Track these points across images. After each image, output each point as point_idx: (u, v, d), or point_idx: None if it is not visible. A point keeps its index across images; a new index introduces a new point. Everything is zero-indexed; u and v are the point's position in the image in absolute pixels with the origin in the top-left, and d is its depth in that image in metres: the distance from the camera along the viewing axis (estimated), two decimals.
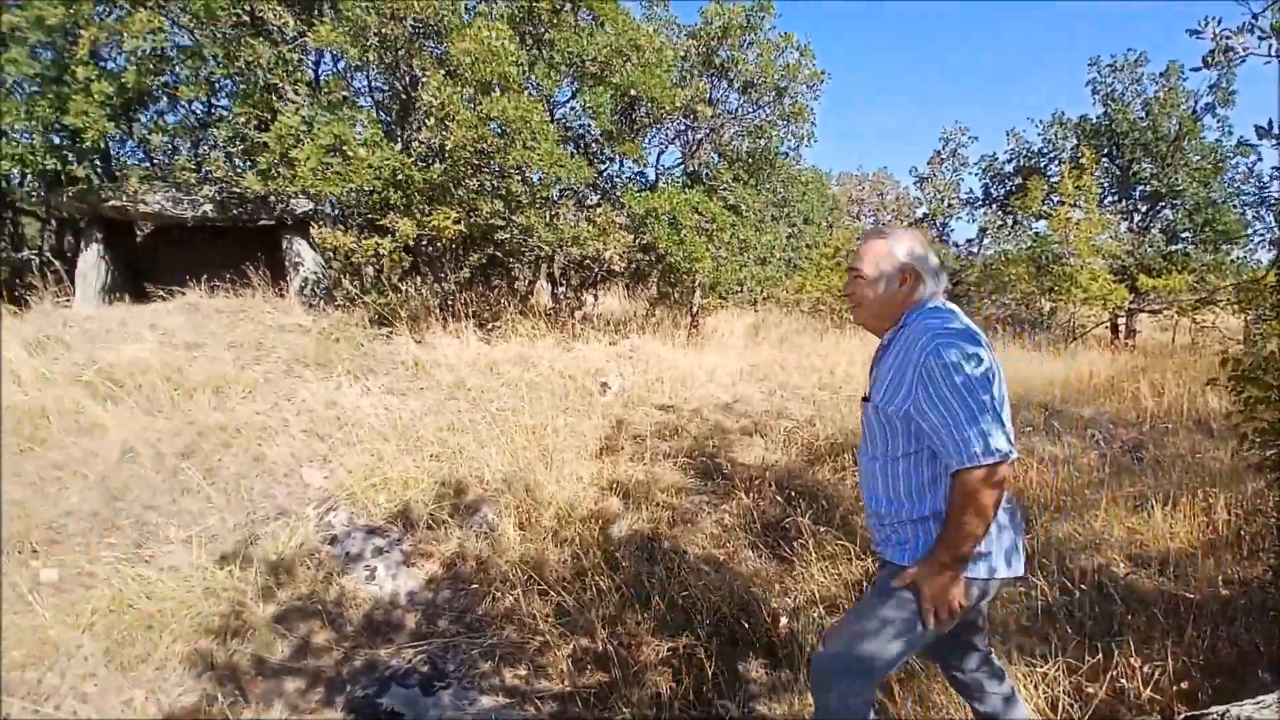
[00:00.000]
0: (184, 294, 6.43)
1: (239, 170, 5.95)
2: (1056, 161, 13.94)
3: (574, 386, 6.41)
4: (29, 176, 6.80)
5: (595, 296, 10.99)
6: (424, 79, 5.66)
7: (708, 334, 10.91)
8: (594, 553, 3.42)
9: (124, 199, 6.80)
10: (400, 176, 5.46)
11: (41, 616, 2.73)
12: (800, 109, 9.32)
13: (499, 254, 8.60)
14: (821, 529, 3.56)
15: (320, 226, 6.49)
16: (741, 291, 11.54)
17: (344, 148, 5.31)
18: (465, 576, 3.33)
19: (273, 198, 7.17)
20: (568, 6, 7.39)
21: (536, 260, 8.88)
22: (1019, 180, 14.33)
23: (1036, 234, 12.57)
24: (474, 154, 5.49)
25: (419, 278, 8.75)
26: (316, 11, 5.97)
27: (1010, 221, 14.36)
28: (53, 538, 3.22)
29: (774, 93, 9.15)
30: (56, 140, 6.42)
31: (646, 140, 8.76)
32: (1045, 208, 12.59)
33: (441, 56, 6.32)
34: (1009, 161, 14.97)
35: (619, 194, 7.48)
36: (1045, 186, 12.51)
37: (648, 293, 11.31)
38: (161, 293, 6.49)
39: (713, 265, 8.29)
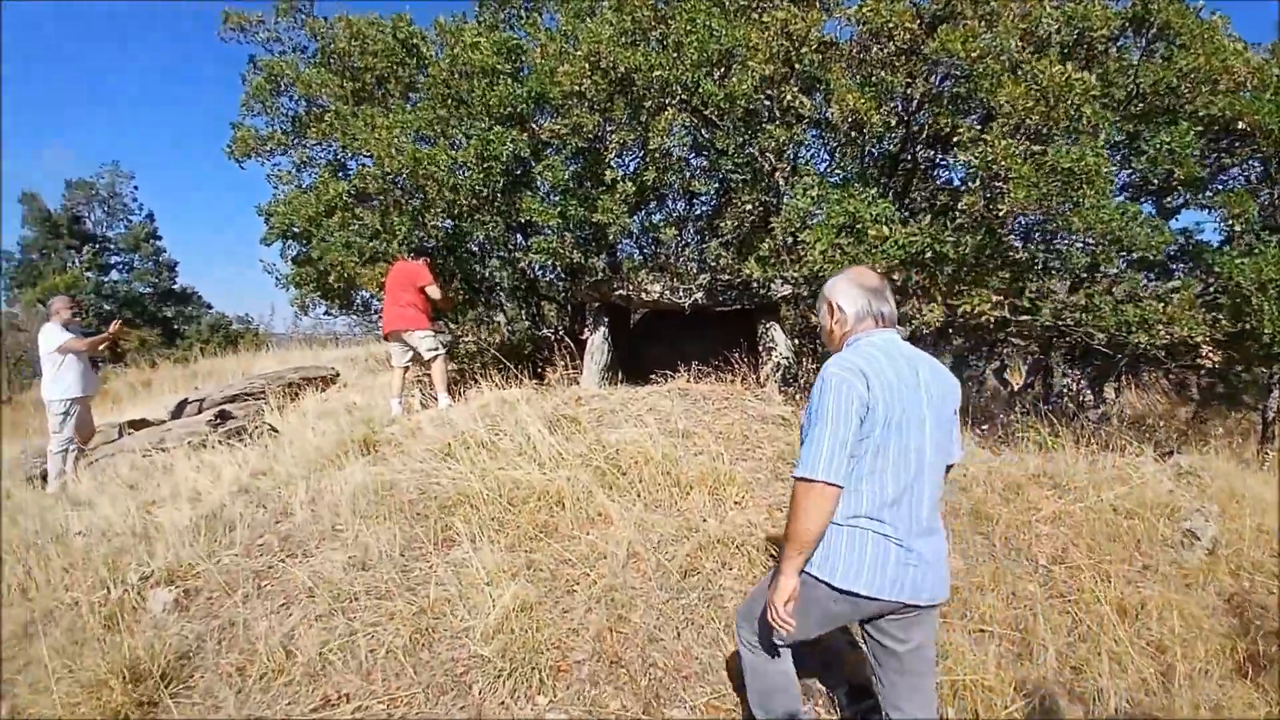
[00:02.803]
0: (673, 378, 6.45)
1: (738, 258, 5.76)
2: None
3: (1141, 531, 4.51)
4: (556, 267, 7.67)
5: (1116, 391, 8.54)
6: (957, 136, 4.68)
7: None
8: None
9: (629, 288, 7.27)
10: (929, 254, 4.51)
11: None
12: None
13: (992, 336, 7.09)
14: None
15: (805, 311, 6.02)
16: None
17: (857, 226, 4.59)
18: None
19: (754, 283, 6.95)
20: (1128, 30, 5.76)
21: (1046, 343, 7.07)
22: None
23: None
24: (1029, 219, 4.30)
25: None
26: (825, 86, 5.54)
27: None
28: (558, 662, 2.86)
29: None
30: (578, 236, 7.14)
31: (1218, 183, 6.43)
32: None
33: (962, 107, 5.31)
34: None
35: (1206, 258, 5.41)
36: None
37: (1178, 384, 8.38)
38: (655, 376, 6.62)
39: None
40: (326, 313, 10.54)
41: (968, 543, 4.04)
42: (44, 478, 5.84)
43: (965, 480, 4.95)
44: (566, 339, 9.36)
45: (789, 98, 5.21)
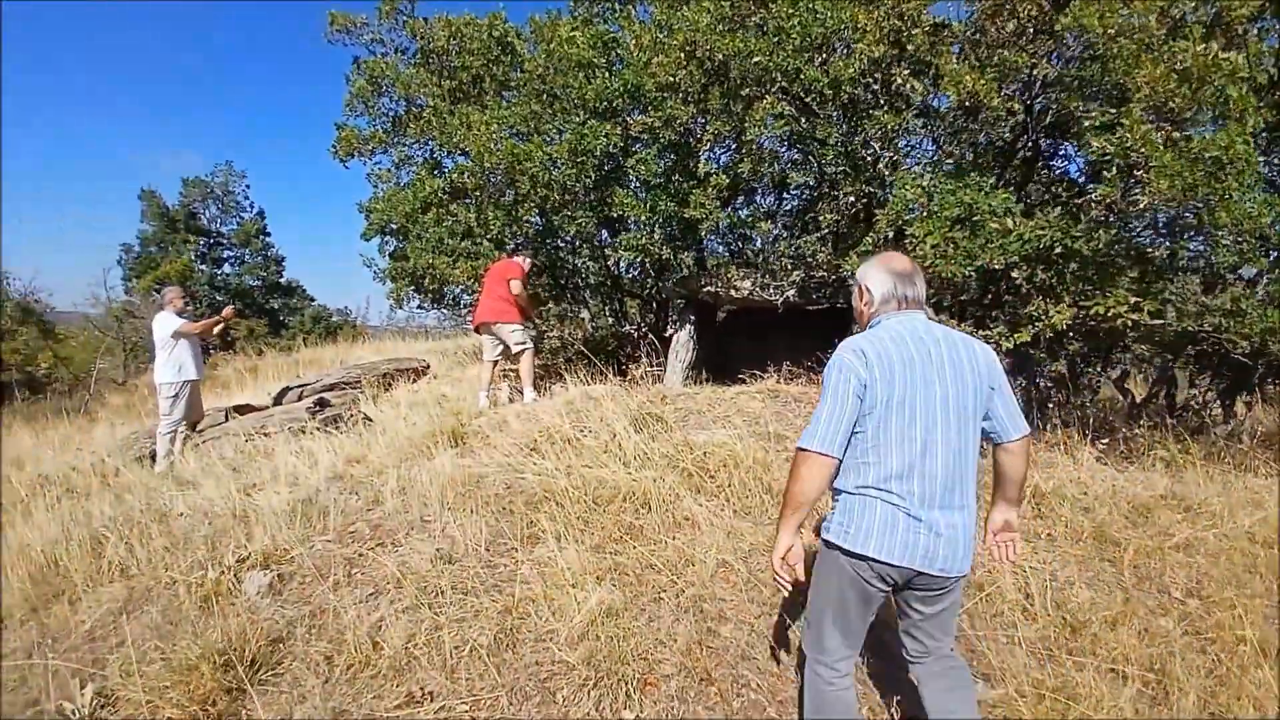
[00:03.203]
0: (763, 378, 6.23)
1: (836, 253, 5.47)
2: None
3: None
4: (645, 263, 7.52)
5: (1248, 405, 7.71)
6: (1088, 119, 4.27)
7: None
8: None
9: (718, 284, 7.08)
10: (1058, 249, 4.12)
11: None
12: None
13: (1109, 341, 6.49)
14: None
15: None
16: None
17: (974, 218, 4.26)
18: None
19: (851, 280, 6.62)
20: (1267, 11, 5.16)
21: (1174, 350, 6.42)
22: None
23: None
24: (1165, 213, 3.85)
25: None
26: (934, 70, 5.18)
27: None
28: (645, 674, 2.72)
29: None
30: (667, 231, 6.96)
31: None
32: None
33: (1088, 91, 4.85)
34: None
35: None
36: None
37: None
38: (743, 375, 6.41)
39: None
40: (420, 307, 10.85)
41: (1094, 570, 3.67)
42: (153, 458, 6.18)
43: (1087, 499, 4.53)
44: (650, 335, 9.28)
45: (898, 81, 4.90)
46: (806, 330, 7.77)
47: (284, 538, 3.75)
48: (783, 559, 2.10)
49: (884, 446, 2.00)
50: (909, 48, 4.84)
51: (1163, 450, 5.38)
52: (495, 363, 6.63)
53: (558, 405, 5.78)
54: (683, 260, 6.95)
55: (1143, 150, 3.75)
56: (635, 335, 9.82)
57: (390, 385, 8.13)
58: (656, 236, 6.59)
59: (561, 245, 8.54)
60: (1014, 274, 4.67)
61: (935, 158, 5.10)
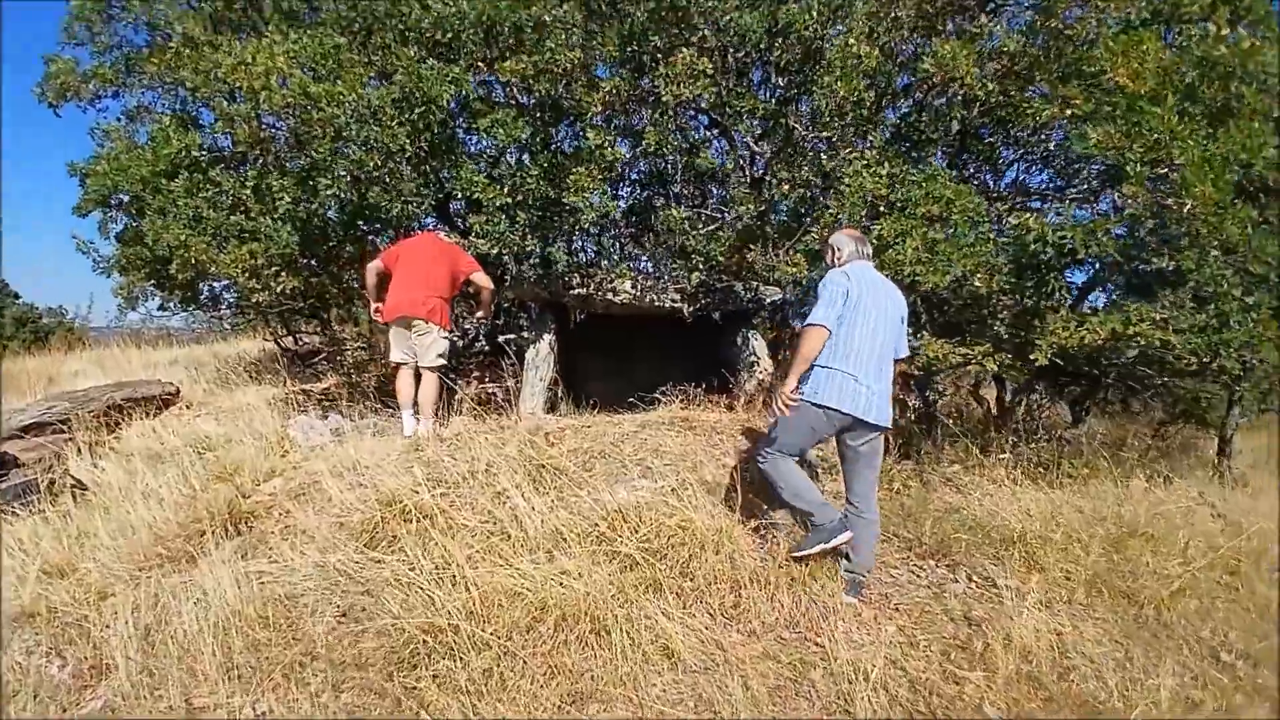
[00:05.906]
0: (659, 402, 4.98)
1: (768, 251, 4.35)
2: None
3: None
4: (503, 256, 5.76)
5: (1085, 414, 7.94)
6: (1072, 106, 3.53)
7: None
8: None
9: (591, 286, 5.70)
10: (1081, 254, 3.31)
11: None
12: None
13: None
14: None
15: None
16: None
17: (953, 216, 3.37)
18: None
19: (739, 286, 5.72)
20: None
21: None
22: None
23: None
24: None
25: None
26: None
27: None
28: None
29: None
30: (534, 217, 5.42)
31: None
32: None
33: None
34: None
35: None
36: None
37: None
38: (635, 400, 5.10)
39: None
40: (162, 308, 8.04)
41: (1137, 641, 2.87)
42: None
43: (1059, 537, 3.83)
44: (480, 343, 7.68)
45: (851, 42, 3.89)
46: (671, 341, 6.63)
47: None
48: (789, 394, 2.90)
49: (847, 338, 2.89)
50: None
51: (1068, 466, 4.97)
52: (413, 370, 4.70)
53: (397, 451, 4.08)
54: (550, 255, 5.47)
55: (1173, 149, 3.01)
56: (457, 344, 8.10)
57: (119, 424, 5.63)
58: (520, 222, 5.05)
59: (372, 231, 6.62)
60: (977, 282, 3.82)
61: (899, 140, 4.17)
